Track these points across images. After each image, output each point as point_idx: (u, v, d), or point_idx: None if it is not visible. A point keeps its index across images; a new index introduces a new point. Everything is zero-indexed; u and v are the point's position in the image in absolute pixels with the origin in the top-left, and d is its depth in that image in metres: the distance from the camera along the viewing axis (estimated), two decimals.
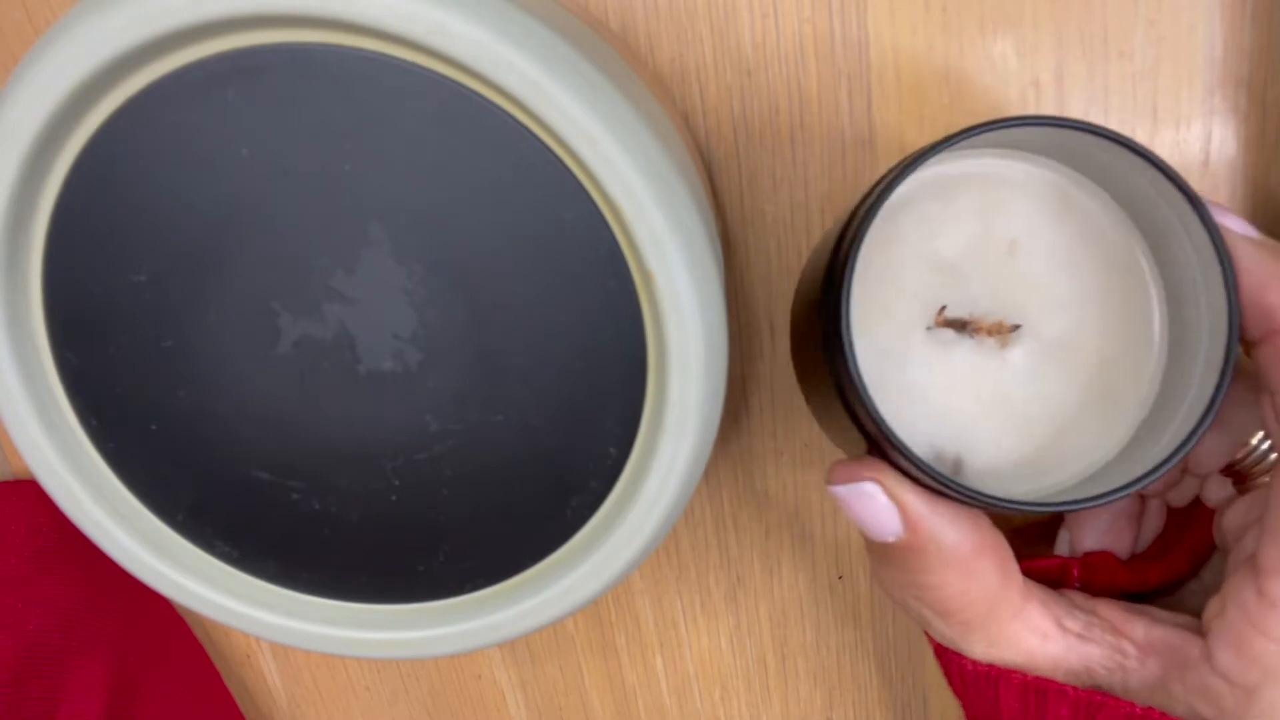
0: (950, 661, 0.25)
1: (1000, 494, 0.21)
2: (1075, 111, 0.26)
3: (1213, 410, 0.21)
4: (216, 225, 0.21)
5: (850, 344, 0.20)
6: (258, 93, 0.20)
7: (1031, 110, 0.26)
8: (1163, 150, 0.26)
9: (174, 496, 0.24)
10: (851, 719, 0.35)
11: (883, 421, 0.20)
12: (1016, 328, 0.23)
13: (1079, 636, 0.24)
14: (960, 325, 0.23)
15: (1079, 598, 0.25)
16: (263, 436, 0.23)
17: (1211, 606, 0.23)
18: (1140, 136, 0.26)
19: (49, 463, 0.24)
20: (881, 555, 0.24)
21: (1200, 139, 0.26)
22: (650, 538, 0.22)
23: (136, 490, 0.24)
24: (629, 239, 0.20)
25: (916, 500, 0.22)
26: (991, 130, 0.20)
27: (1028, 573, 0.25)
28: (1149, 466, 0.21)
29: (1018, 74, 0.26)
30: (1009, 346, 0.23)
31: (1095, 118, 0.26)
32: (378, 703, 0.37)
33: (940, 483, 0.21)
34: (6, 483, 0.32)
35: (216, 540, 0.25)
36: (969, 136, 0.20)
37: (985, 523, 0.23)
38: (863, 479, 0.22)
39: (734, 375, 0.30)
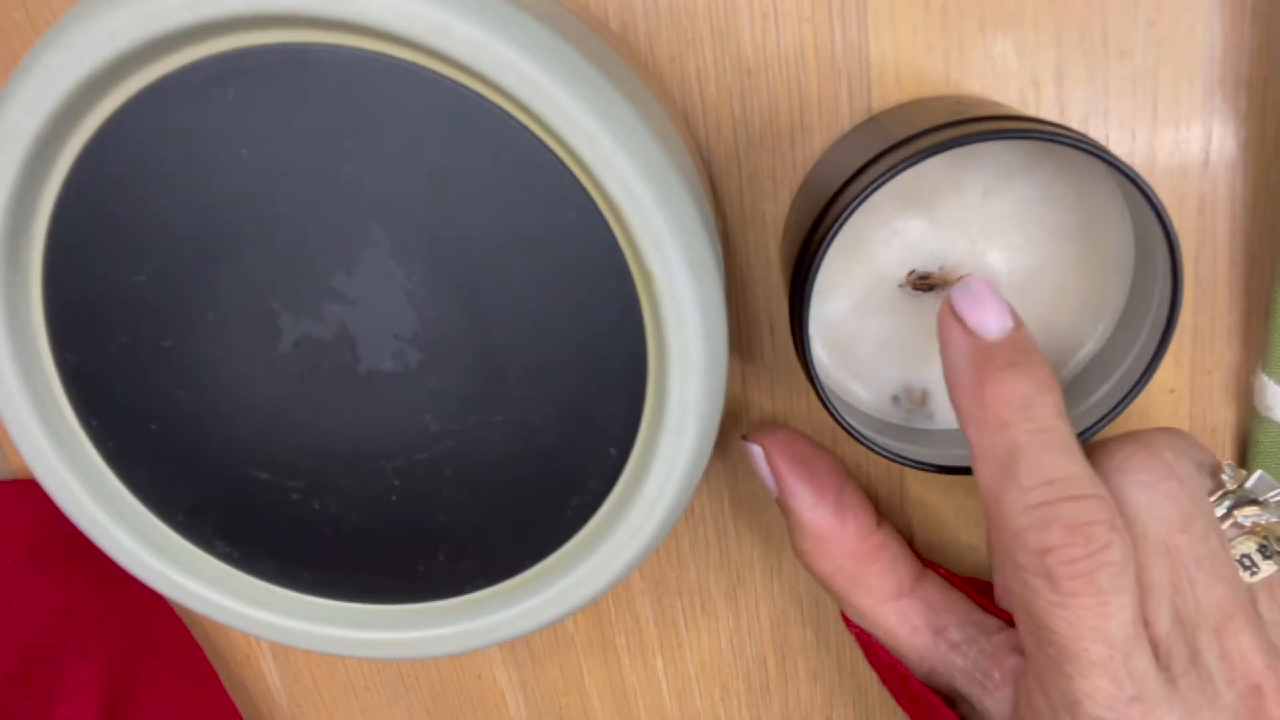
0: (846, 621, 0.29)
1: (920, 457, 0.25)
2: (1075, 112, 0.26)
3: (1147, 377, 0.24)
4: (216, 225, 0.21)
5: (806, 313, 0.23)
6: (258, 93, 0.20)
7: (1031, 111, 0.26)
8: (1162, 150, 0.26)
9: (174, 496, 0.24)
10: (851, 719, 0.35)
11: (818, 382, 0.23)
12: None
13: (952, 646, 0.26)
14: (928, 286, 0.25)
15: (994, 622, 0.26)
16: (263, 436, 0.23)
17: None
18: (1140, 136, 0.26)
19: (49, 462, 0.24)
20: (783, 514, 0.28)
21: (1200, 139, 0.26)
22: (650, 538, 0.22)
23: (136, 490, 0.24)
24: (629, 239, 0.20)
25: (788, 472, 0.27)
26: (951, 148, 0.21)
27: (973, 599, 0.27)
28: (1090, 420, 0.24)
29: (1017, 74, 0.26)
30: None
31: (1095, 118, 0.26)
32: (378, 703, 0.37)
33: (840, 423, 0.24)
34: (5, 482, 0.32)
35: (216, 540, 0.25)
36: (926, 156, 0.21)
37: (860, 514, 0.27)
38: (757, 442, 0.27)
39: (734, 375, 0.30)
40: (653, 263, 0.20)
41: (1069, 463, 0.21)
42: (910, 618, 0.26)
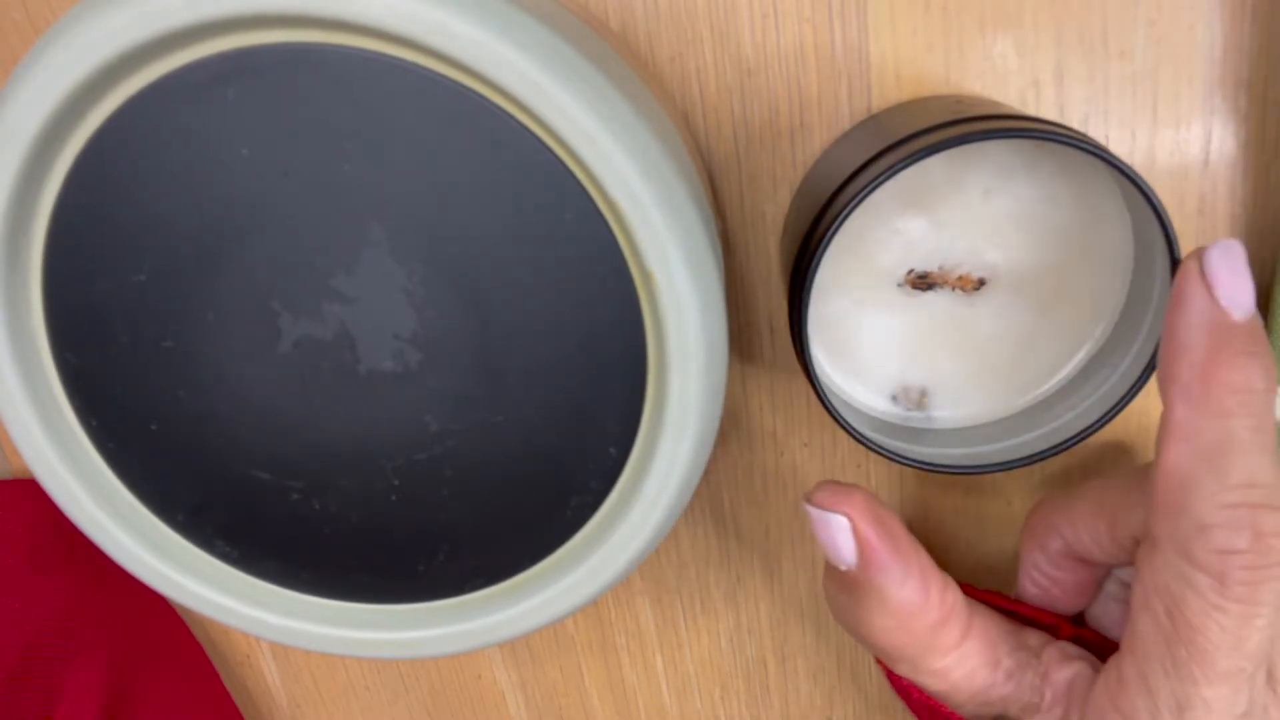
0: (887, 670, 0.27)
1: (920, 457, 0.25)
2: (1075, 112, 0.26)
3: (1147, 377, 0.24)
4: (216, 225, 0.21)
5: (805, 312, 0.23)
6: (258, 93, 0.20)
7: (1031, 111, 0.26)
8: (1162, 150, 0.26)
9: (174, 496, 0.24)
10: (851, 719, 0.35)
11: (817, 382, 0.23)
12: (983, 282, 0.25)
13: (1006, 675, 0.25)
14: (927, 285, 0.25)
15: (1035, 637, 0.26)
16: (263, 436, 0.23)
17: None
18: (1140, 136, 0.26)
19: (49, 462, 0.24)
20: (833, 574, 0.25)
21: (1200, 139, 0.26)
22: (650, 538, 0.22)
23: (136, 490, 0.24)
24: (629, 239, 0.20)
25: (880, 546, 0.24)
26: (951, 148, 0.21)
27: (1021, 615, 0.27)
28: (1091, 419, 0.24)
29: (1018, 74, 0.26)
30: (977, 292, 0.26)
31: (1095, 118, 0.26)
32: (378, 703, 0.37)
33: (839, 423, 0.24)
34: (5, 482, 0.32)
35: (216, 540, 0.25)
36: (926, 155, 0.21)
37: (938, 582, 0.25)
38: (839, 511, 0.24)
39: (734, 375, 0.30)
40: (653, 263, 0.20)
41: (1275, 469, 0.20)
42: (969, 660, 0.25)
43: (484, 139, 0.20)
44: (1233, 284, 0.21)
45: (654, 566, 0.33)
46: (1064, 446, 0.25)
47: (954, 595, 0.25)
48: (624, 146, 0.19)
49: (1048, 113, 0.26)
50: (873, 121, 0.25)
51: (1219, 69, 0.25)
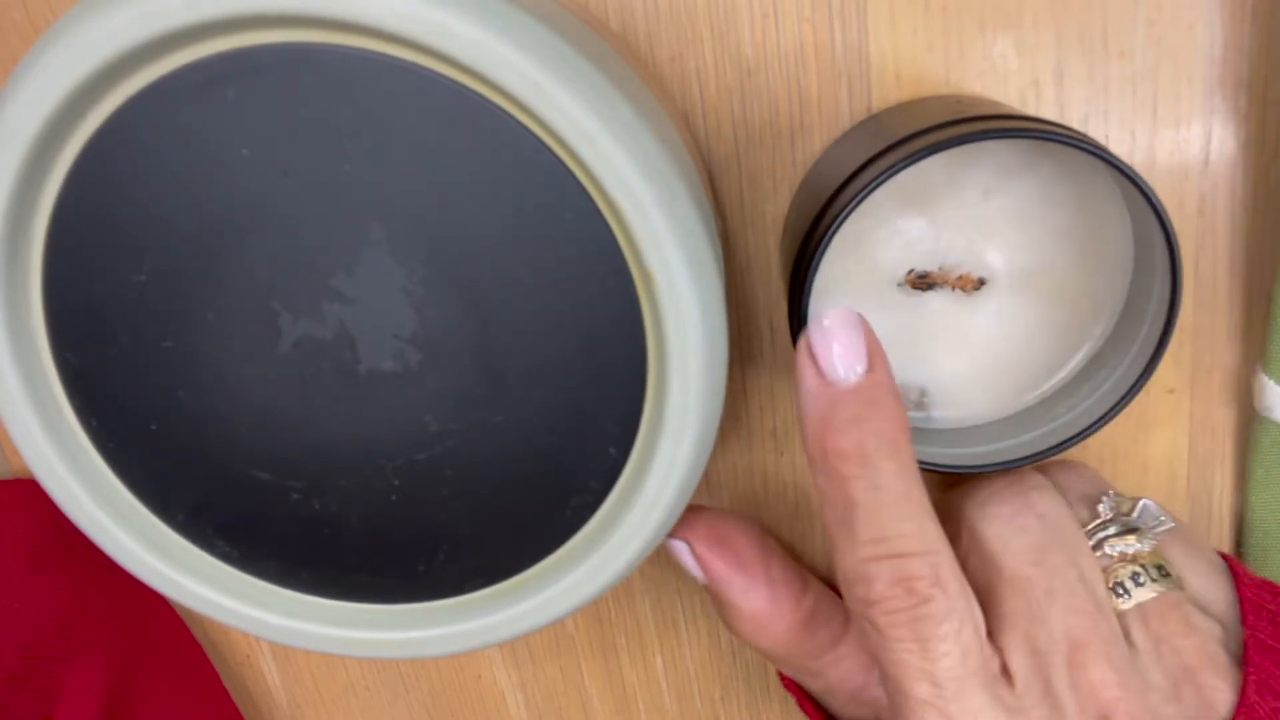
0: (780, 674, 0.29)
1: (920, 457, 0.25)
2: (1075, 112, 0.26)
3: (1146, 377, 0.24)
4: (216, 225, 0.21)
5: (805, 312, 0.23)
6: (258, 93, 0.20)
7: (1031, 111, 0.26)
8: (1162, 150, 0.26)
9: (174, 496, 0.24)
10: None
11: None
12: (983, 282, 0.25)
13: (881, 679, 0.26)
14: (927, 285, 0.25)
15: None
16: (263, 436, 0.23)
17: None
18: (1140, 136, 0.26)
19: (49, 463, 0.24)
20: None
21: (1200, 139, 0.26)
22: (650, 538, 0.22)
23: (136, 490, 0.24)
24: (629, 239, 0.20)
25: (716, 564, 0.27)
26: (951, 147, 0.21)
27: None
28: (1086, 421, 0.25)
29: (1018, 74, 0.26)
30: (977, 292, 0.26)
31: (1095, 118, 0.26)
32: (378, 703, 0.37)
33: None
34: (5, 482, 0.32)
35: (216, 540, 0.25)
36: (925, 155, 0.21)
37: (790, 589, 0.27)
38: (679, 537, 0.27)
39: (734, 375, 0.30)
40: (653, 263, 0.20)
41: (901, 521, 0.22)
42: (844, 663, 0.27)
43: (484, 139, 0.20)
44: (825, 352, 0.22)
45: (654, 566, 0.33)
46: (1064, 446, 0.25)
47: (814, 599, 0.27)
48: (624, 146, 0.19)
49: (1048, 113, 0.26)
50: (873, 121, 0.25)
51: (1219, 69, 0.25)
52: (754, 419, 0.30)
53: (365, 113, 0.20)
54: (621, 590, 0.33)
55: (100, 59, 0.19)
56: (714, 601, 0.27)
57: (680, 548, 0.27)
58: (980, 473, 0.25)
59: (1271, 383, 0.27)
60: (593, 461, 0.22)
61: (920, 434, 0.27)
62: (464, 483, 0.23)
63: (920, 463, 0.25)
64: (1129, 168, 0.21)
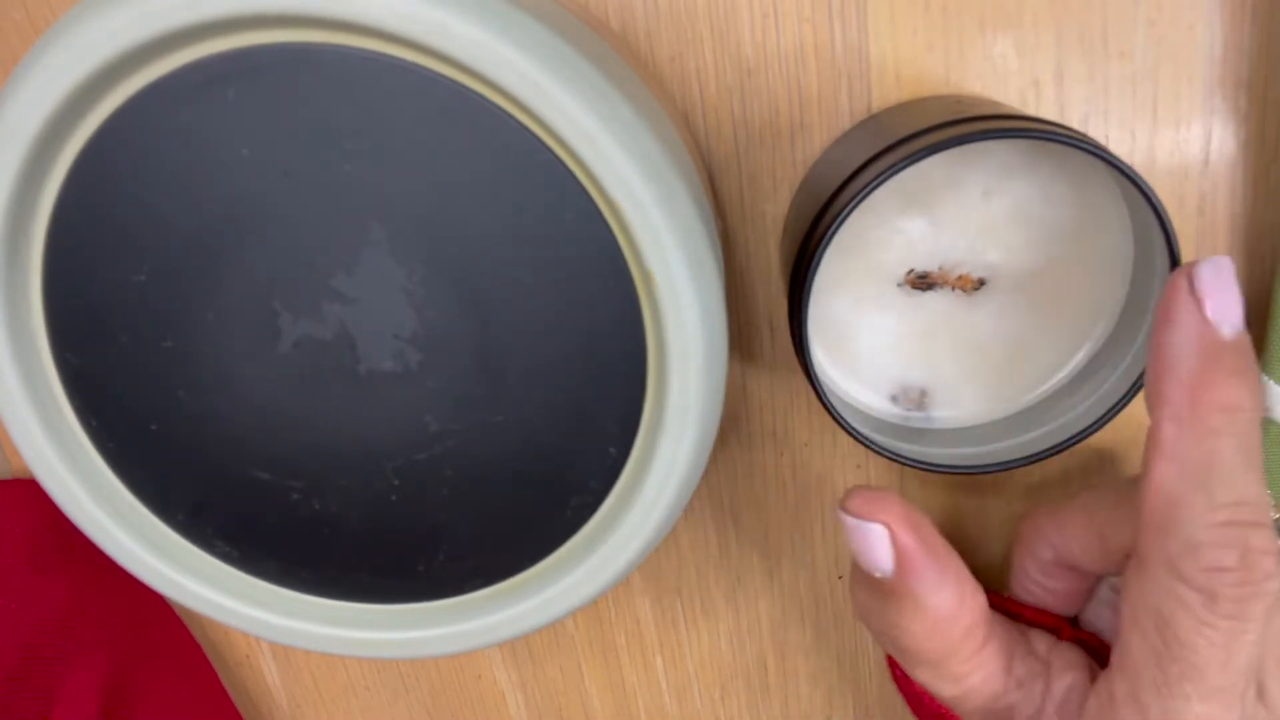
0: (897, 675, 0.28)
1: (920, 457, 0.25)
2: (1075, 112, 0.26)
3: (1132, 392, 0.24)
4: (216, 225, 0.21)
5: (805, 312, 0.23)
6: (258, 93, 0.20)
7: (1031, 111, 0.26)
8: (1162, 150, 0.26)
9: (174, 496, 0.24)
10: (851, 719, 0.35)
11: (817, 382, 0.23)
12: (983, 282, 0.25)
13: (1017, 683, 0.25)
14: (927, 285, 0.25)
15: (1041, 642, 0.26)
16: (263, 436, 0.23)
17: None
18: (1140, 136, 0.26)
19: (49, 463, 0.24)
20: (862, 579, 0.25)
21: (1200, 139, 0.26)
22: (650, 538, 0.22)
23: (136, 490, 0.24)
24: (629, 239, 0.20)
25: (917, 554, 0.24)
26: (951, 147, 0.21)
27: (1025, 618, 0.27)
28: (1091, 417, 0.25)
29: (1018, 74, 0.26)
30: (977, 292, 0.26)
31: (1095, 118, 0.26)
32: (378, 703, 0.37)
33: (839, 423, 0.24)
34: (5, 482, 0.32)
35: (216, 540, 0.25)
36: (926, 155, 0.21)
37: (970, 586, 0.25)
38: (876, 519, 0.24)
39: (734, 375, 0.30)
40: (653, 263, 0.20)
41: (1261, 487, 0.20)
42: (987, 666, 0.25)
43: (484, 139, 0.20)
44: (1223, 301, 0.20)
45: (654, 566, 0.33)
46: (1064, 446, 0.25)
47: (982, 600, 0.25)
48: (624, 146, 0.19)
49: (1048, 113, 0.26)
50: (873, 121, 0.25)
51: (1219, 69, 0.25)
52: (754, 419, 0.30)
53: (365, 113, 0.20)
54: (621, 590, 0.33)
55: (100, 59, 0.19)
56: (881, 595, 0.25)
57: (878, 532, 0.24)
58: (980, 473, 0.25)
59: (1271, 383, 0.27)
60: (592, 461, 0.22)
61: (920, 434, 0.27)
62: (464, 483, 0.23)
63: (920, 463, 0.25)
64: (1129, 168, 0.21)
